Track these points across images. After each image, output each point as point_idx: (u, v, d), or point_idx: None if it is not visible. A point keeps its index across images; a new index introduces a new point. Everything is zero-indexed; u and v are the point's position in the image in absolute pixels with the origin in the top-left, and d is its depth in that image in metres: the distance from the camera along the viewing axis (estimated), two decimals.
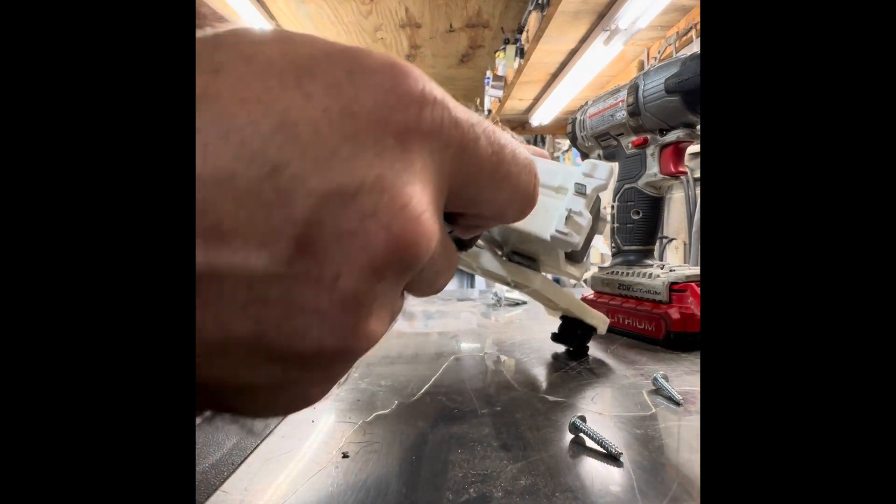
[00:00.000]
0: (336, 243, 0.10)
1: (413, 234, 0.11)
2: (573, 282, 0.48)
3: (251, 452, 0.23)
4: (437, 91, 0.12)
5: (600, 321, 0.40)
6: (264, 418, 0.13)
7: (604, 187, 0.32)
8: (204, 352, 0.10)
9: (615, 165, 0.32)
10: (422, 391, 0.32)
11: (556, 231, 0.30)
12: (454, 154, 0.12)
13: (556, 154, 2.16)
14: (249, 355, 0.11)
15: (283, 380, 0.12)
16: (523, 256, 0.37)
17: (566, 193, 0.31)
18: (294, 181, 0.10)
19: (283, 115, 0.10)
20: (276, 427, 0.26)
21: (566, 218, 0.31)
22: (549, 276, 0.39)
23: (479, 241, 0.36)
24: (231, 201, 0.09)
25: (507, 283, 0.37)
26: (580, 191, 0.31)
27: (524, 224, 0.32)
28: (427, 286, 0.15)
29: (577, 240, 0.30)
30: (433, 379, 0.35)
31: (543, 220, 0.31)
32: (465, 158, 0.13)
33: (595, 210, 0.33)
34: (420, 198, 0.11)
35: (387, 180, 0.10)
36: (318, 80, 0.10)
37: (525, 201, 0.16)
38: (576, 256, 0.36)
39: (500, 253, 0.37)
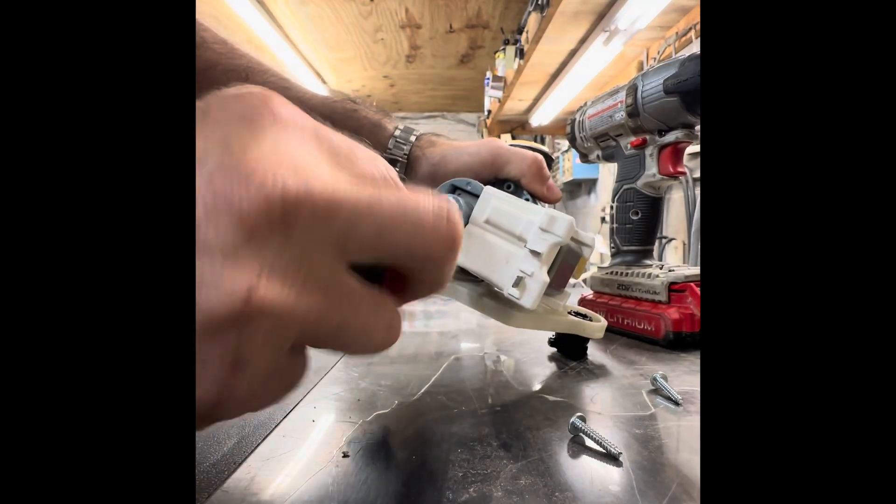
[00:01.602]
0: (218, 205, 0.12)
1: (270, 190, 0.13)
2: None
3: (252, 452, 0.23)
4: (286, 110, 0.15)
5: (597, 330, 0.38)
6: None
7: (561, 243, 0.28)
8: None
9: (573, 219, 0.29)
10: (422, 391, 0.32)
11: (508, 293, 0.28)
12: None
13: (555, 154, 2.15)
14: None
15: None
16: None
17: (526, 244, 0.28)
18: (200, 163, 0.12)
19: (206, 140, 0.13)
20: (276, 427, 0.26)
21: (517, 279, 0.28)
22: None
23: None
24: None
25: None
26: (534, 250, 0.28)
27: (487, 272, 0.29)
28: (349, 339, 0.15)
29: (530, 303, 0.28)
30: (433, 379, 0.35)
31: (504, 271, 0.29)
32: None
33: (563, 251, 0.30)
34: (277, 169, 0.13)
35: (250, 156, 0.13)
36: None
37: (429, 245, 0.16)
38: (550, 291, 0.32)
39: (479, 288, 0.34)
